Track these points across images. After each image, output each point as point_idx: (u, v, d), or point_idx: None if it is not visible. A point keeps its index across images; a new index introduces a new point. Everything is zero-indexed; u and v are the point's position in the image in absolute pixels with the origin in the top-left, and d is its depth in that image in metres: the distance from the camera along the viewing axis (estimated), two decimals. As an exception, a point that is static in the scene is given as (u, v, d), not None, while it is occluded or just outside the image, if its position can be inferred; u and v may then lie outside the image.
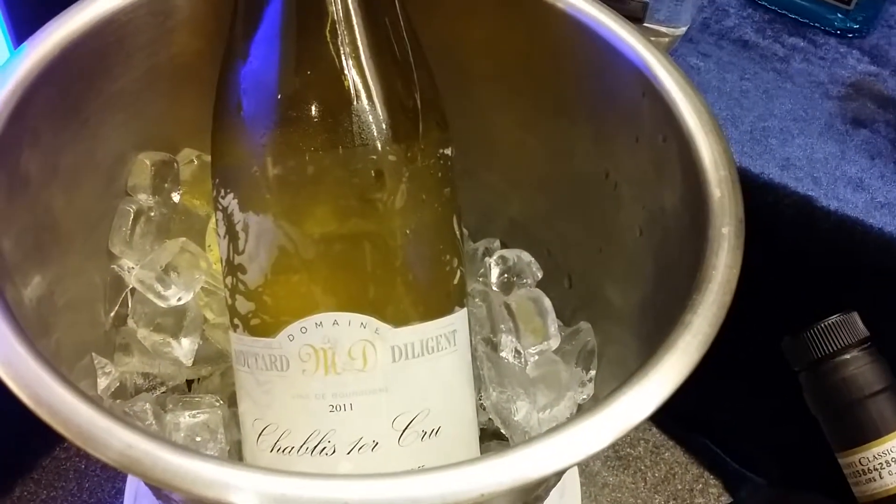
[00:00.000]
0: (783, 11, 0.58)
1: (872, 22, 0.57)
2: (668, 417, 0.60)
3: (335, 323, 0.34)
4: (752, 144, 0.49)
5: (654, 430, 0.60)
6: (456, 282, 0.37)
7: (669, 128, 0.36)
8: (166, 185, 0.41)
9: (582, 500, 0.51)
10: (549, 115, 0.42)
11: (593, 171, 0.41)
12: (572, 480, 0.51)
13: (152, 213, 0.41)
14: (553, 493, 0.45)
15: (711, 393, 0.58)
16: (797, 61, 0.55)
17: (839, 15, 0.57)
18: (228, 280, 0.36)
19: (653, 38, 0.53)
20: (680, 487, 0.57)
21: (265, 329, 0.35)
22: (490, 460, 0.26)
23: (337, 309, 0.34)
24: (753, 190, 0.48)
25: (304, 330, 0.34)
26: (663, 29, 0.53)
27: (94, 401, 0.26)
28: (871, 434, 0.39)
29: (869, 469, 0.39)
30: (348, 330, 0.34)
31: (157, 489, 0.33)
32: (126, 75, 0.38)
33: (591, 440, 0.26)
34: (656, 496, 0.57)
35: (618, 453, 0.58)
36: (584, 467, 0.57)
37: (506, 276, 0.43)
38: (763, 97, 0.52)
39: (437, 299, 0.36)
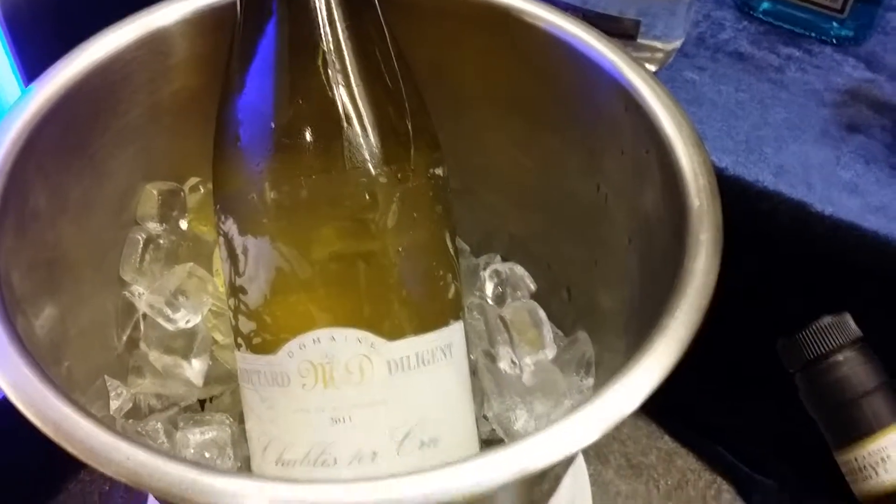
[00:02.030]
0: (778, 23, 0.59)
1: (867, 29, 0.58)
2: (680, 424, 0.61)
3: (332, 339, 0.35)
4: (747, 153, 0.50)
5: (667, 437, 0.60)
6: (450, 296, 0.38)
7: (651, 140, 0.37)
8: (174, 212, 0.43)
9: (594, 509, 0.52)
10: (541, 133, 0.44)
11: (585, 185, 0.43)
12: (583, 489, 0.52)
13: (161, 241, 0.43)
14: (563, 501, 0.46)
15: (722, 398, 0.59)
16: (792, 71, 0.56)
17: (834, 24, 0.57)
18: (231, 301, 0.37)
19: (648, 54, 0.54)
20: (693, 494, 0.58)
21: (266, 347, 0.36)
22: (478, 459, 0.27)
23: (334, 325, 0.35)
24: (749, 197, 0.49)
25: (302, 346, 0.35)
26: (658, 44, 0.54)
27: (96, 418, 0.28)
28: (865, 431, 0.40)
29: (865, 466, 0.40)
30: (345, 345, 0.35)
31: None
32: (131, 111, 0.40)
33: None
34: (669, 503, 0.57)
35: (630, 461, 0.59)
36: (597, 476, 0.58)
37: (500, 288, 0.44)
38: (758, 107, 0.53)
39: (431, 313, 0.37)
